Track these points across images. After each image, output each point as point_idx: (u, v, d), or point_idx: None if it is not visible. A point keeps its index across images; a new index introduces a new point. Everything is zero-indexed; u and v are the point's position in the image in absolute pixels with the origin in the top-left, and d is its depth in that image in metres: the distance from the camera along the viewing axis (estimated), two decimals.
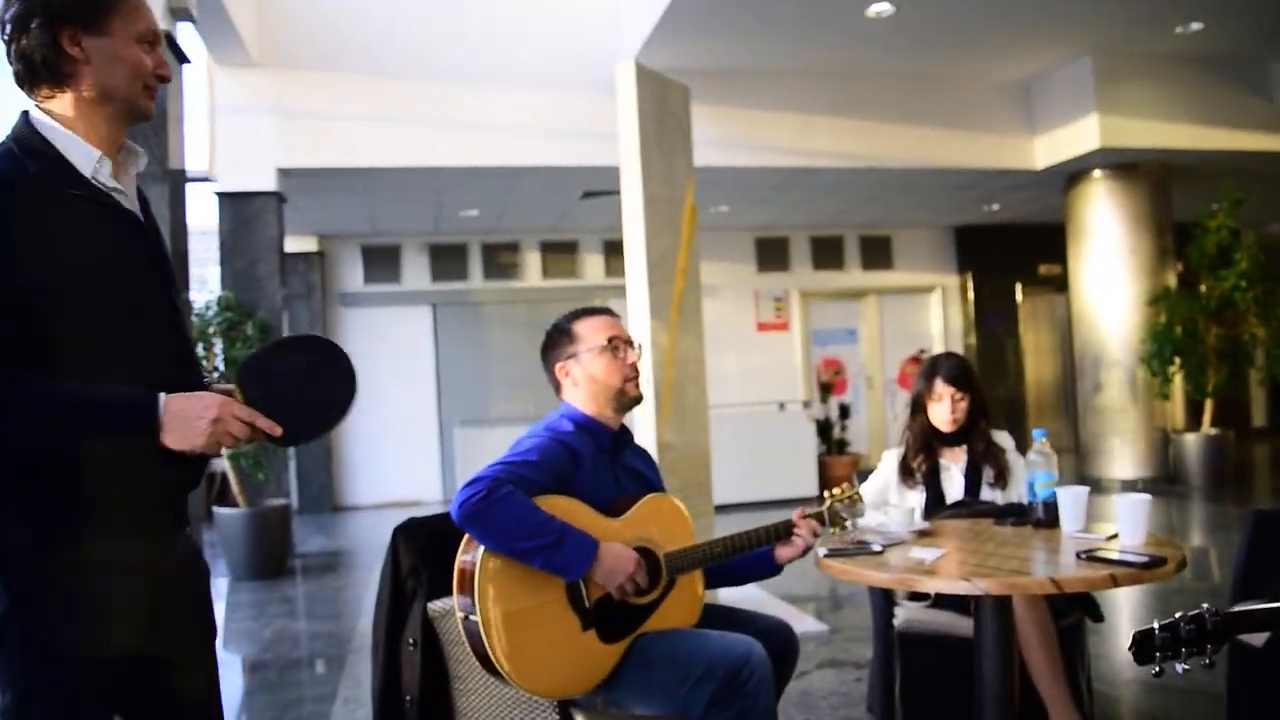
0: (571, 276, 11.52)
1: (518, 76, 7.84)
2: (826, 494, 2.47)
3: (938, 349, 12.35)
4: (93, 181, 1.53)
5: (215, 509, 6.82)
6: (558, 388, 2.49)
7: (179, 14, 4.43)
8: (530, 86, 7.88)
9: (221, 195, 7.52)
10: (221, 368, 6.76)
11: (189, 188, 6.04)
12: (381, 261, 11.07)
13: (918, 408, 3.19)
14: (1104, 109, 8.20)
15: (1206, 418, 8.80)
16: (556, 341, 2.48)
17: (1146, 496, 2.09)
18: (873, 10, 6.83)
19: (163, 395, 1.46)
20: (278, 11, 7.53)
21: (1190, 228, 8.96)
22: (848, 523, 2.41)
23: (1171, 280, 9.03)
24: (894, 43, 7.51)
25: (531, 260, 11.47)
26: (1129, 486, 8.84)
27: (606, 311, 2.52)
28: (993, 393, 12.18)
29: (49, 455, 1.44)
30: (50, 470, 1.45)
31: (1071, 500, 2.26)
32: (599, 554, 2.14)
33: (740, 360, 11.61)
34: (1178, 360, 8.54)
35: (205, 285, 10.57)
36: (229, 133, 7.62)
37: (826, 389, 11.23)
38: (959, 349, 12.40)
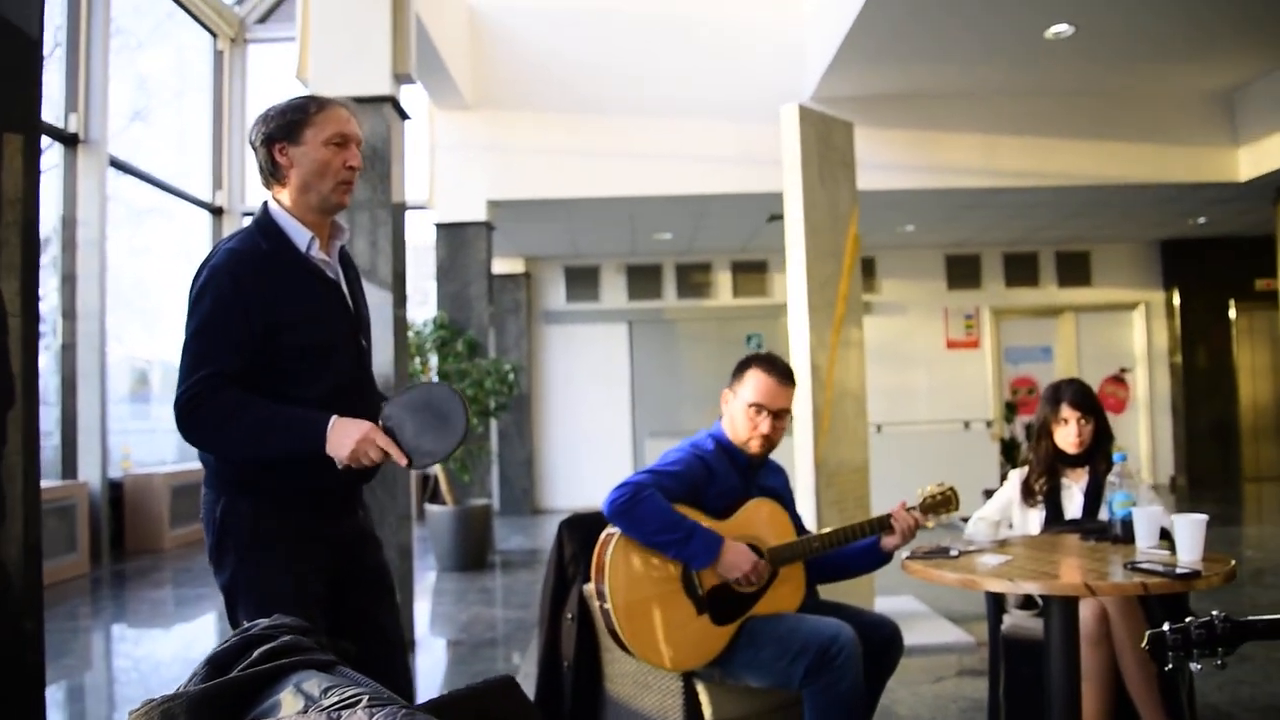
0: (760, 295, 11.91)
1: (705, 108, 8.33)
2: (920, 490, 2.79)
3: (1140, 368, 11.91)
4: (306, 255, 2.11)
5: (427, 506, 7.66)
6: (721, 404, 2.90)
7: (401, 79, 5.19)
8: (717, 117, 8.34)
9: (439, 225, 8.42)
10: (435, 378, 7.62)
11: (413, 215, 6.92)
12: (582, 281, 11.86)
13: (1043, 432, 3.38)
14: None
15: None
16: (736, 372, 2.87)
17: (1204, 517, 2.30)
18: (1051, 32, 6.87)
19: (334, 417, 2.00)
20: (489, 59, 8.39)
21: None
22: (938, 520, 2.73)
23: None
24: (1077, 60, 7.47)
25: (722, 280, 11.95)
26: None
27: (782, 376, 2.79)
28: (1202, 415, 11.63)
29: (253, 451, 2.01)
30: (261, 464, 2.04)
31: (1145, 519, 2.48)
32: (723, 549, 2.57)
33: (929, 378, 11.65)
34: None
35: (426, 299, 11.63)
36: (446, 168, 8.52)
37: (1011, 408, 11.08)
38: (1164, 368, 11.91)
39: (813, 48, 7.96)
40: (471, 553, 7.42)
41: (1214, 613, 1.79)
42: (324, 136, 2.10)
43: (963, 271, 11.92)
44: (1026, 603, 3.15)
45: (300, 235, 2.11)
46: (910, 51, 7.37)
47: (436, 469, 7.56)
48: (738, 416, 2.78)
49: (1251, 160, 8.40)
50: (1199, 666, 1.81)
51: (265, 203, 2.15)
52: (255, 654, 1.16)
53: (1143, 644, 1.82)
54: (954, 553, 2.52)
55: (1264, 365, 11.91)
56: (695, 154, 8.39)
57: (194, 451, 2.14)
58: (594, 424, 11.66)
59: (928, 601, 5.56)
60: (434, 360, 7.76)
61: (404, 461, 2.02)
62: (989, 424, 10.32)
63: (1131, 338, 12.01)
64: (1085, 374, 11.75)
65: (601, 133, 8.37)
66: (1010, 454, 10.22)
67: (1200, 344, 11.81)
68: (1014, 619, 3.11)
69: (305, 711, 1.03)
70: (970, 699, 3.89)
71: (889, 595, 5.50)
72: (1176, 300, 11.79)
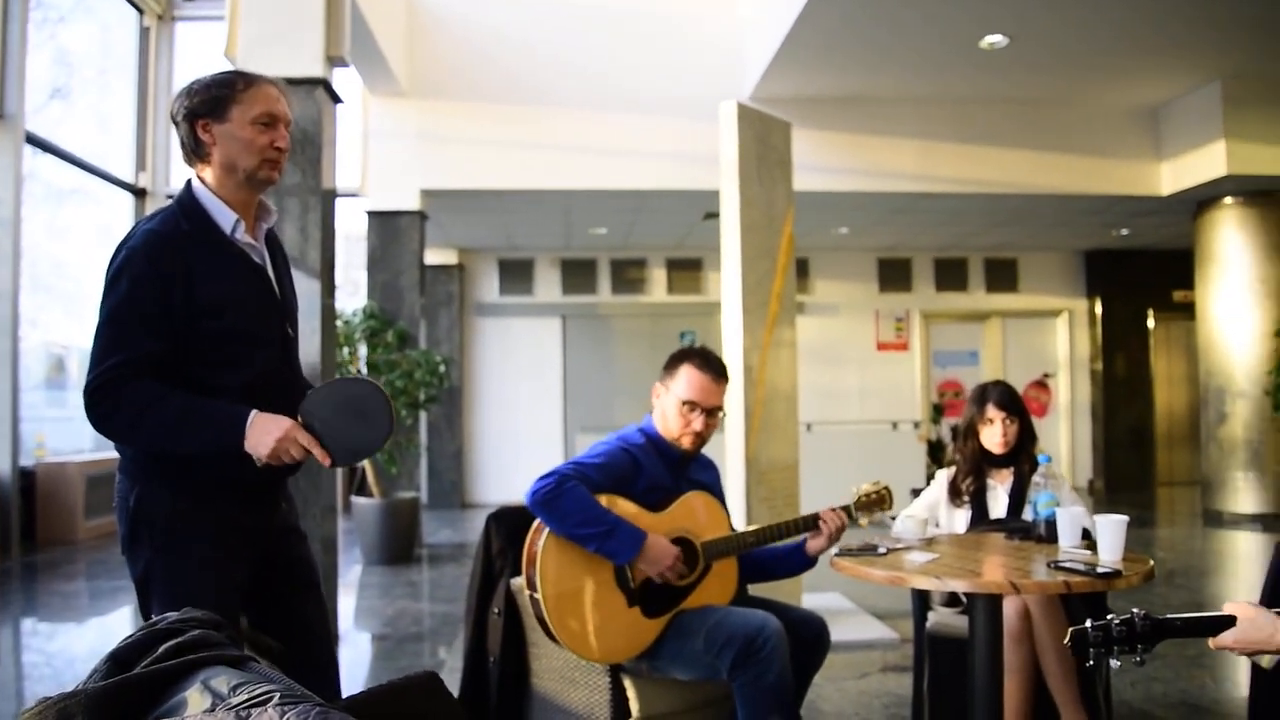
0: (695, 293, 11.95)
1: (643, 105, 8.30)
2: (855, 489, 2.81)
3: (1063, 374, 12.22)
4: (231, 237, 2.02)
5: (353, 498, 7.53)
6: (652, 397, 2.87)
7: (335, 61, 5.06)
8: (655, 114, 8.32)
9: (370, 214, 8.27)
10: (364, 370, 7.48)
11: (345, 202, 6.78)
12: (516, 274, 11.76)
13: (969, 432, 3.44)
14: (1232, 135, 8.07)
15: None
16: (669, 366, 2.84)
17: (1124, 518, 2.35)
18: (986, 42, 7.00)
19: (254, 412, 1.92)
20: (425, 45, 8.26)
21: None
22: (871, 518, 2.75)
23: None
24: (1011, 71, 7.63)
25: (657, 276, 11.95)
26: (1254, 522, 8.63)
27: (714, 373, 2.77)
28: (1120, 421, 11.97)
29: (167, 446, 1.92)
30: (178, 454, 1.95)
31: (1068, 519, 2.53)
32: (645, 544, 2.54)
33: (860, 378, 11.80)
34: None
35: (357, 289, 11.43)
36: (379, 156, 8.37)
37: (939, 410, 11.29)
38: (1085, 374, 12.23)
39: (752, 48, 7.99)
40: (398, 546, 7.31)
41: (1134, 610, 1.82)
42: (251, 115, 2.01)
43: (894, 275, 12.10)
44: (951, 600, 3.19)
45: (225, 216, 2.02)
46: (848, 56, 7.44)
47: (364, 461, 7.42)
48: (670, 412, 2.76)
49: (1173, 175, 8.66)
50: (1118, 663, 1.84)
51: (188, 181, 2.06)
52: (161, 649, 1.11)
53: (1065, 640, 1.84)
54: (882, 550, 2.54)
55: (1179, 374, 12.31)
56: (633, 149, 8.37)
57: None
58: (525, 418, 11.58)
59: (854, 599, 5.62)
60: (363, 350, 7.62)
61: (327, 461, 1.96)
62: (916, 425, 10.49)
63: (1055, 344, 12.32)
64: (1010, 378, 11.93)
65: (539, 124, 8.29)
66: (936, 455, 10.40)
67: (1120, 352, 12.17)
68: (939, 616, 3.15)
69: (213, 710, 0.98)
70: (894, 694, 3.94)
71: (816, 592, 5.54)
72: (1098, 309, 12.13)
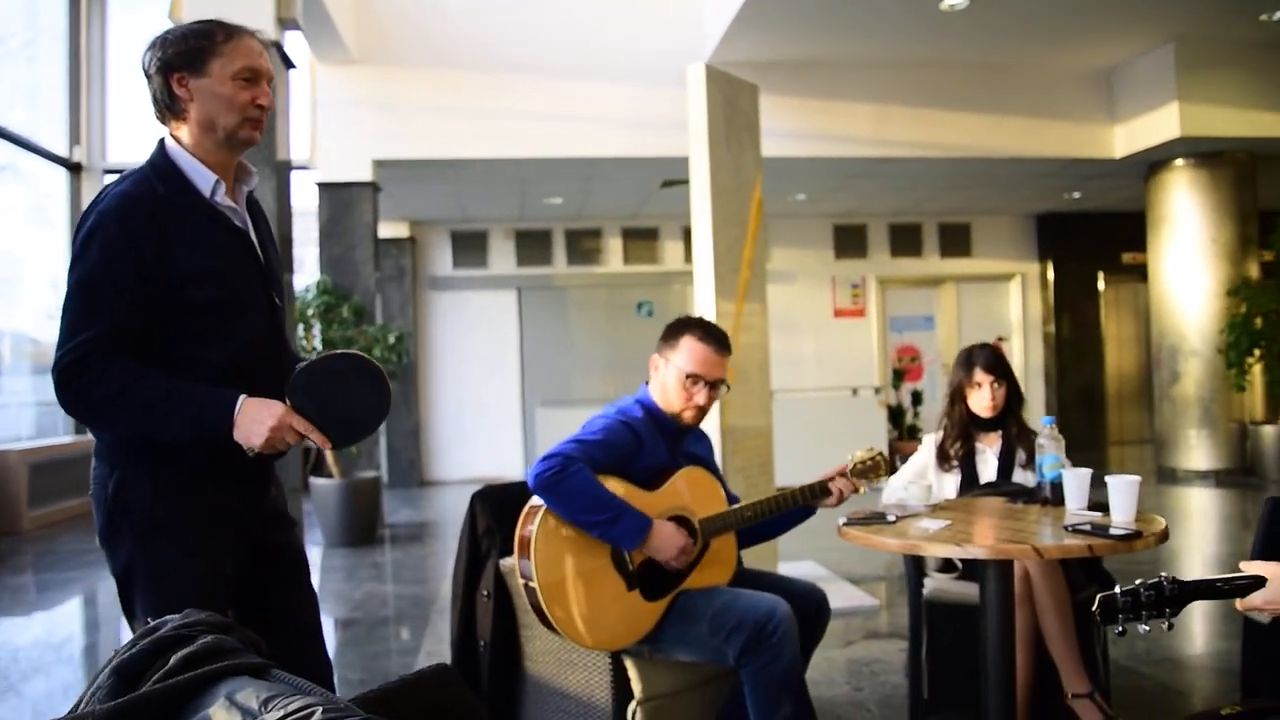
0: (651, 262, 11.83)
1: (599, 70, 8.13)
2: (851, 455, 2.74)
3: (1016, 337, 12.34)
4: (210, 200, 1.86)
5: (312, 479, 7.32)
6: (649, 368, 2.75)
7: (286, 23, 4.85)
8: (611, 79, 8.16)
9: (321, 185, 8.01)
10: (320, 347, 7.26)
11: (294, 176, 6.52)
12: (470, 247, 11.54)
13: (957, 396, 3.39)
14: (1185, 97, 8.14)
15: None
16: (667, 335, 2.72)
17: (1136, 478, 2.30)
18: (946, 4, 6.94)
19: (242, 397, 1.77)
20: (375, 12, 7.99)
21: (1277, 217, 8.82)
22: (871, 482, 2.70)
23: (1254, 270, 8.90)
24: (970, 34, 7.59)
25: (613, 246, 11.81)
26: (1204, 478, 8.80)
27: (718, 345, 2.67)
28: (1072, 382, 12.14)
29: (145, 431, 1.77)
30: (161, 440, 1.79)
31: (1075, 481, 2.48)
32: (651, 531, 2.44)
33: (817, 345, 11.80)
34: (1257, 351, 8.45)
35: (303, 265, 11.12)
36: (329, 126, 8.10)
37: (899, 375, 11.35)
38: (1038, 337, 12.37)
39: (710, 12, 7.84)
40: (360, 527, 7.13)
41: (1162, 575, 1.79)
42: (232, 70, 1.84)
43: (850, 241, 12.09)
44: (946, 566, 3.14)
45: (203, 178, 1.85)
46: (807, 20, 7.34)
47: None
48: (671, 385, 2.65)
49: (1127, 137, 8.72)
50: (1147, 628, 1.81)
51: (161, 141, 1.88)
52: (172, 661, 0.98)
53: (1094, 607, 1.80)
54: (891, 518, 2.47)
55: (1129, 335, 12.50)
56: (589, 115, 8.21)
57: (55, 425, 1.88)
58: (482, 393, 11.40)
59: (830, 566, 5.60)
60: (318, 328, 7.39)
61: (326, 445, 1.82)
62: (877, 390, 10.52)
63: (1008, 307, 12.43)
64: (965, 342, 12.03)
65: (492, 92, 8.09)
66: (898, 420, 10.45)
67: (1071, 314, 12.32)
68: (935, 583, 3.10)
69: None
70: (881, 661, 3.91)
71: (791, 561, 5.51)
72: (1050, 272, 12.25)
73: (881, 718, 3.32)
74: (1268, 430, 8.72)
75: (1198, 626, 4.28)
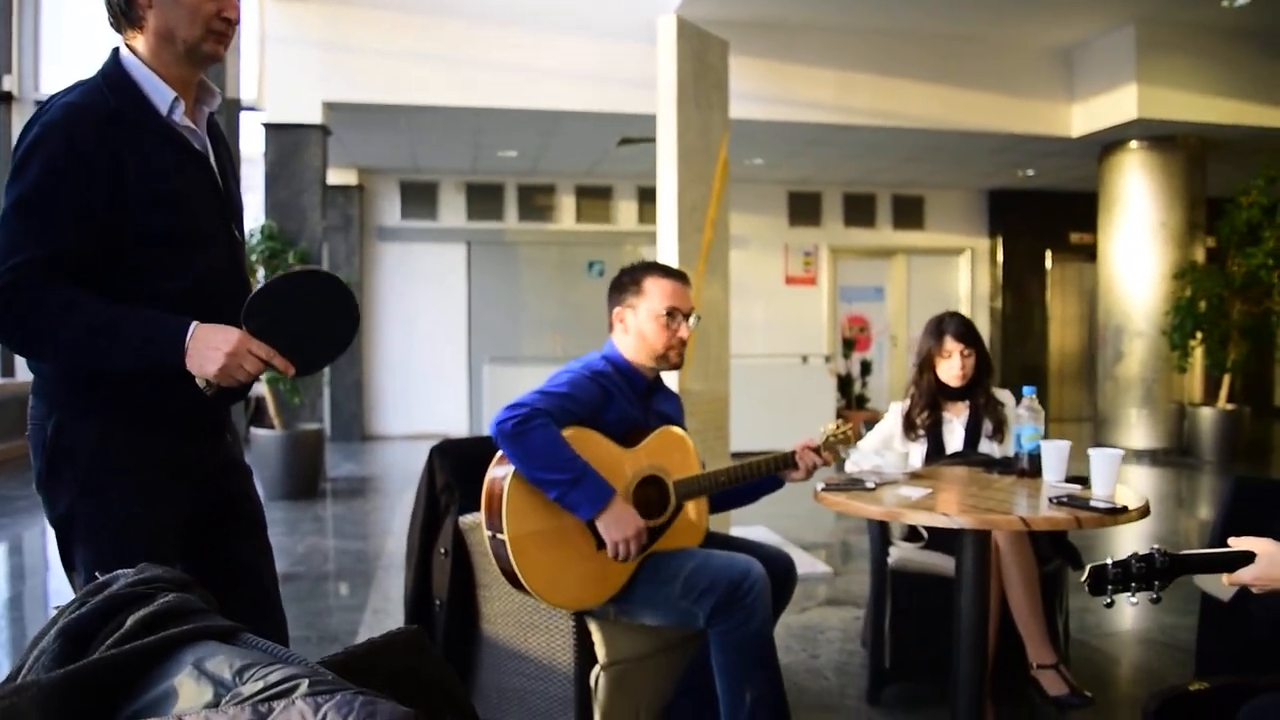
0: (605, 221, 11.66)
1: (562, 21, 7.91)
2: (823, 428, 2.67)
3: (964, 311, 12.41)
4: (167, 119, 1.69)
5: (252, 430, 7.11)
6: (610, 327, 2.65)
7: None
8: (574, 32, 7.95)
9: (268, 126, 7.70)
10: None
11: (241, 117, 6.26)
12: (419, 198, 11.26)
13: (925, 365, 3.34)
14: (1144, 79, 8.18)
15: (1224, 393, 8.88)
16: (624, 286, 2.62)
17: (1119, 451, 2.27)
18: None
19: (194, 323, 1.61)
20: None
21: (1224, 203, 8.95)
22: (842, 455, 2.65)
23: (1200, 255, 9.05)
24: (933, 3, 7.53)
25: (566, 204, 11.61)
26: (1143, 457, 8.97)
27: (680, 277, 2.63)
28: (1015, 358, 12.30)
29: (86, 362, 1.62)
30: (107, 376, 1.65)
31: (1054, 453, 2.44)
32: (610, 503, 2.31)
33: (767, 312, 11.77)
34: (1199, 334, 8.60)
35: (248, 210, 10.77)
36: (278, 64, 7.77)
37: (849, 344, 11.38)
38: (985, 312, 12.48)
39: None
40: (302, 480, 6.95)
41: (1155, 547, 1.77)
42: None
43: (804, 209, 12.04)
44: (911, 535, 3.11)
45: (161, 94, 1.68)
46: None
47: (263, 388, 7.01)
48: (649, 329, 2.55)
49: (1084, 116, 8.75)
50: (1135, 600, 1.79)
51: (114, 50, 1.71)
52: (130, 623, 0.86)
53: (1083, 579, 1.78)
54: (870, 485, 2.40)
55: (1073, 314, 12.68)
56: (550, 67, 8.00)
57: None
58: (428, 348, 11.19)
59: (780, 531, 5.58)
60: (261, 274, 7.13)
61: (291, 371, 1.68)
62: (828, 359, 10.53)
63: (957, 281, 12.52)
64: (914, 315, 12.18)
65: (451, 37, 7.83)
66: (846, 389, 10.48)
67: (1018, 291, 12.44)
68: (901, 551, 3.06)
69: (217, 703, 0.75)
70: (838, 629, 3.89)
71: (742, 525, 5.47)
72: (999, 248, 12.34)
73: (839, 685, 3.29)
74: (1205, 412, 8.90)
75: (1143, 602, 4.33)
